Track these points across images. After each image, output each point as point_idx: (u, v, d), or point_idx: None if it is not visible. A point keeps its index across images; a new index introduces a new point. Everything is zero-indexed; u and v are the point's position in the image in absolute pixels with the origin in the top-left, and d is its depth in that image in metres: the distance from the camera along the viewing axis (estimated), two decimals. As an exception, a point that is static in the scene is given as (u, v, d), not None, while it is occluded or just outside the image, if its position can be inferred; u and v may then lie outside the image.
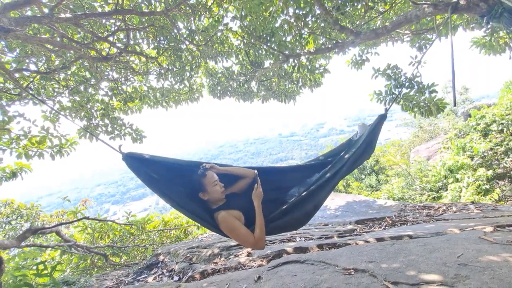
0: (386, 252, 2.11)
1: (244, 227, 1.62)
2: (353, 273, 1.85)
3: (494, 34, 4.98)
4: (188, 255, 3.36)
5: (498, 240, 2.08)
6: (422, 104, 4.68)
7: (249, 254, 2.83)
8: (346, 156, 2.08)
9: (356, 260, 2.05)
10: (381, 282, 1.64)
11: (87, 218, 3.95)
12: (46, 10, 3.00)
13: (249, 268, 2.51)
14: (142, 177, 1.66)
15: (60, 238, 4.03)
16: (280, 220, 1.75)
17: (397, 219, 3.88)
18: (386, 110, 2.23)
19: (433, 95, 4.60)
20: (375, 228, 3.58)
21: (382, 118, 2.17)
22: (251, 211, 1.69)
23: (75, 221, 4.06)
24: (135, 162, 1.68)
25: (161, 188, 1.69)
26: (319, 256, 2.27)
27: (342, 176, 1.99)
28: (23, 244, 3.58)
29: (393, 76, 4.97)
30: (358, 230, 3.44)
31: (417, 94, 4.72)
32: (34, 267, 2.30)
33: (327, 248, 2.62)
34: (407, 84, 4.85)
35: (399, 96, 4.86)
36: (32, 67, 4.57)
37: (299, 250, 2.64)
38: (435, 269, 1.71)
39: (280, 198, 1.96)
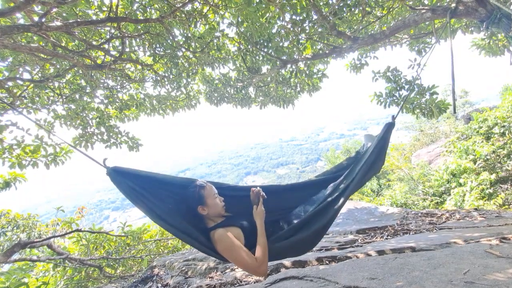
0: (389, 268, 2.00)
1: (244, 248, 1.43)
2: (353, 292, 1.75)
3: (493, 37, 4.94)
4: (183, 268, 3.25)
5: (504, 254, 1.98)
6: (424, 105, 4.62)
7: (245, 268, 2.72)
8: (354, 171, 1.91)
9: (357, 276, 1.94)
10: (383, 304, 1.54)
11: (80, 230, 3.84)
12: (36, 19, 2.95)
13: (245, 284, 2.40)
14: (127, 193, 1.54)
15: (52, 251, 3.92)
16: (284, 242, 1.57)
17: (399, 228, 3.76)
18: (394, 117, 2.03)
19: (434, 96, 4.54)
20: (376, 237, 3.47)
21: (390, 127, 1.99)
22: (253, 231, 1.53)
23: (68, 233, 3.95)
24: (121, 177, 1.56)
25: (149, 206, 1.55)
26: (318, 271, 2.16)
27: (352, 193, 1.82)
28: (13, 258, 3.47)
29: (393, 79, 4.92)
30: (359, 240, 3.33)
31: (417, 96, 4.66)
32: None
33: (327, 262, 2.51)
34: (407, 86, 4.80)
35: (400, 99, 4.80)
36: (26, 75, 4.52)
37: (298, 264, 2.53)
38: (440, 287, 1.61)
39: (283, 219, 1.80)
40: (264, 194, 1.70)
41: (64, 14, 3.58)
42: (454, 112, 2.27)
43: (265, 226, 1.56)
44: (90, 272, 4.76)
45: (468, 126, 8.84)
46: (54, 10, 2.89)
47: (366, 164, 1.87)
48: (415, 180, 9.69)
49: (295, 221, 1.72)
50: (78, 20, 3.06)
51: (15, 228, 5.50)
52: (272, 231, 1.61)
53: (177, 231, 1.54)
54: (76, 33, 3.60)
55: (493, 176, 6.91)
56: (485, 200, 6.59)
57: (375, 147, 1.93)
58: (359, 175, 1.83)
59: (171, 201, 1.62)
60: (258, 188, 1.73)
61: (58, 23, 2.74)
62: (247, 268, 1.41)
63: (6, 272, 2.74)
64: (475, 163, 7.50)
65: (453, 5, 2.99)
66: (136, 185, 1.57)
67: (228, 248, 1.43)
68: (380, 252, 2.46)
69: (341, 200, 1.73)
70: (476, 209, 4.47)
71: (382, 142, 1.96)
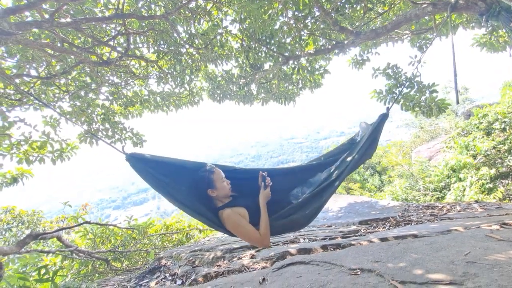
0: (392, 252, 2.08)
1: (249, 225, 1.63)
2: (359, 273, 1.82)
3: (494, 33, 4.99)
4: (191, 259, 3.32)
5: (505, 237, 2.05)
6: (423, 104, 4.68)
7: (252, 256, 2.80)
8: (349, 155, 2.07)
9: (361, 260, 2.02)
10: (388, 282, 1.61)
11: (88, 222, 3.92)
12: (47, 16, 3.01)
13: (253, 271, 2.48)
14: (145, 177, 1.66)
15: (61, 244, 4.00)
16: (284, 220, 1.74)
17: (401, 219, 3.84)
18: (388, 109, 2.22)
19: (434, 95, 4.59)
20: (379, 228, 3.54)
21: (384, 117, 2.16)
22: (256, 210, 1.70)
23: (76, 225, 4.03)
24: (139, 162, 1.68)
25: (165, 188, 1.68)
26: (324, 256, 2.24)
27: (346, 176, 1.98)
28: (23, 250, 3.55)
29: (393, 75, 4.98)
30: (362, 230, 3.40)
31: (417, 94, 4.71)
32: (34, 273, 2.27)
33: (332, 249, 2.59)
34: (407, 83, 4.86)
35: (399, 95, 4.86)
36: (33, 72, 4.58)
37: (303, 251, 2.61)
38: (442, 267, 1.68)
39: (284, 199, 1.95)
40: (269, 179, 1.83)
41: (72, 12, 3.65)
42: (457, 102, 2.34)
43: (267, 205, 1.73)
44: (97, 266, 4.84)
45: (469, 121, 8.90)
46: (64, 7, 2.95)
47: (361, 151, 2.03)
48: (415, 176, 9.77)
49: (294, 201, 1.89)
50: (87, 17, 3.13)
51: (20, 224, 5.58)
52: (273, 210, 1.76)
53: (191, 210, 1.68)
54: (84, 30, 3.67)
55: (493, 171, 6.98)
56: (485, 195, 6.66)
57: (370, 136, 2.09)
58: (354, 160, 1.99)
59: (184, 183, 1.75)
60: (266, 173, 1.87)
61: (68, 20, 2.81)
62: (253, 241, 1.61)
63: (23, 257, 2.84)
64: (475, 158, 7.57)
65: (454, -1, 3.05)
66: (152, 169, 1.69)
67: (235, 225, 1.62)
68: (383, 239, 2.53)
69: (336, 183, 1.90)
70: (476, 201, 4.54)
71: (376, 131, 2.11)
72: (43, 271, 2.19)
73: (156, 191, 1.66)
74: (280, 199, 1.93)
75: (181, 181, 1.74)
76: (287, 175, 2.12)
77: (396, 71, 4.98)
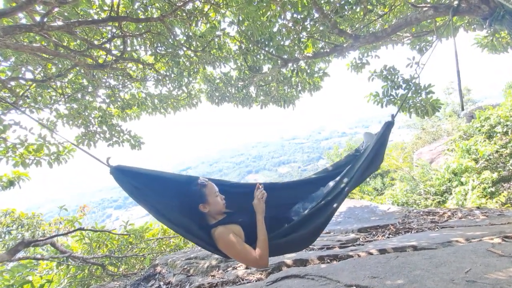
0: (390, 266, 2.00)
1: (245, 244, 1.48)
2: (355, 290, 1.75)
3: (496, 34, 4.90)
4: (185, 267, 3.27)
5: (506, 252, 1.98)
6: (419, 104, 4.61)
7: (247, 267, 2.73)
8: (354, 168, 1.95)
9: (358, 275, 1.95)
10: (384, 302, 1.54)
11: (82, 229, 3.87)
12: (38, 18, 2.95)
13: (247, 283, 2.41)
14: (130, 192, 1.55)
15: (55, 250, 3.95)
16: (284, 239, 1.61)
17: (401, 227, 3.76)
18: (393, 116, 2.08)
19: (429, 96, 4.52)
20: (378, 236, 3.47)
21: (389, 125, 2.03)
22: (253, 226, 1.57)
23: (70, 232, 3.98)
24: (124, 176, 1.57)
25: (153, 204, 1.57)
26: (319, 270, 2.17)
27: (350, 190, 1.86)
28: (17, 256, 3.50)
29: (389, 77, 4.89)
30: (360, 239, 3.33)
31: (413, 95, 4.64)
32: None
33: (328, 260, 2.52)
34: (404, 86, 4.78)
35: (397, 98, 4.79)
36: (29, 75, 4.54)
37: (299, 262, 2.54)
38: (442, 286, 1.61)
39: (283, 215, 1.84)
40: (264, 192, 1.72)
41: (66, 14, 3.59)
42: (462, 109, 2.27)
43: (265, 221, 1.59)
44: (93, 270, 4.79)
45: (470, 124, 8.79)
46: (56, 9, 2.89)
47: (365, 162, 1.90)
48: (415, 180, 9.67)
49: (294, 218, 1.77)
50: (80, 19, 3.07)
51: (19, 227, 5.54)
52: (271, 227, 1.63)
53: (179, 228, 1.57)
54: (78, 33, 3.61)
55: (495, 175, 6.88)
56: (487, 199, 6.57)
57: (374, 145, 1.96)
58: (358, 172, 1.87)
59: (173, 199, 1.63)
60: (262, 185, 1.77)
61: (60, 23, 2.75)
62: (248, 262, 1.47)
63: (10, 270, 2.77)
64: (477, 162, 7.47)
65: (456, 2, 2.97)
66: (139, 184, 1.58)
67: (229, 245, 1.47)
68: (382, 251, 2.46)
69: (340, 198, 1.78)
70: (478, 208, 4.46)
71: (381, 141, 1.99)
72: (27, 287, 2.12)
73: (143, 208, 1.56)
74: (280, 215, 1.82)
75: (171, 197, 1.63)
76: (287, 190, 2.00)
77: (393, 73, 4.89)
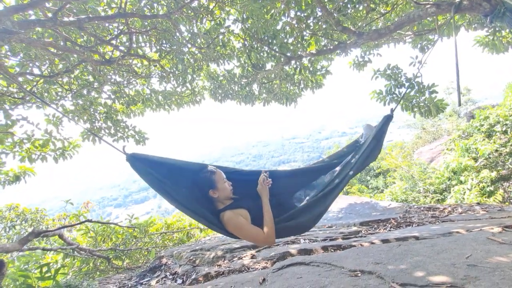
0: (393, 253, 2.08)
1: (252, 225, 1.60)
2: (359, 275, 1.82)
3: (497, 33, 4.96)
4: (191, 258, 3.34)
5: (507, 240, 2.05)
6: (422, 104, 4.67)
7: (253, 256, 2.81)
8: (354, 158, 2.05)
9: (362, 261, 2.02)
10: (389, 284, 1.62)
11: (90, 221, 3.94)
12: (50, 15, 3.02)
13: (253, 271, 2.48)
14: (146, 178, 1.65)
15: (63, 241, 4.02)
16: (287, 223, 1.71)
17: (402, 221, 3.83)
18: (392, 110, 2.18)
19: (433, 95, 4.57)
20: (380, 229, 3.54)
21: (388, 119, 2.13)
22: (259, 211, 1.68)
23: (78, 223, 4.05)
24: (139, 163, 1.67)
25: (166, 189, 1.67)
26: (324, 258, 2.24)
27: (350, 178, 1.97)
28: (25, 247, 3.57)
29: (393, 76, 4.95)
30: (362, 231, 3.40)
31: (417, 94, 4.70)
32: (36, 271, 2.27)
33: (332, 250, 2.59)
34: (407, 84, 4.84)
35: (399, 96, 4.84)
36: (36, 71, 4.60)
37: (304, 252, 2.61)
38: (443, 270, 1.68)
39: (287, 202, 1.94)
40: (269, 180, 1.81)
41: (75, 11, 3.66)
42: (459, 104, 2.34)
43: (270, 205, 1.69)
44: (98, 263, 4.87)
45: (470, 124, 8.86)
46: (67, 5, 2.96)
47: (365, 153, 2.02)
48: (414, 178, 9.74)
49: (297, 204, 1.88)
50: (90, 15, 3.14)
51: (23, 222, 5.62)
52: (276, 213, 1.73)
53: (191, 212, 1.67)
54: (87, 29, 3.68)
55: (494, 174, 6.94)
56: (485, 198, 6.63)
57: (374, 137, 2.07)
58: (358, 162, 1.98)
59: (185, 185, 1.74)
60: (267, 173, 1.86)
61: (72, 19, 2.82)
62: (258, 240, 1.58)
63: (27, 255, 2.85)
64: (476, 161, 7.53)
65: None
66: (153, 170, 1.68)
67: (238, 227, 1.59)
68: (385, 241, 2.53)
69: (341, 186, 1.89)
70: (478, 203, 4.53)
71: (380, 133, 2.10)
72: (45, 269, 2.20)
73: (157, 192, 1.65)
74: (283, 202, 1.91)
75: (182, 182, 1.73)
76: (290, 177, 2.09)
77: (396, 71, 4.95)
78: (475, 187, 6.87)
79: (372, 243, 2.56)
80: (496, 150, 7.31)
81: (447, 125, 15.81)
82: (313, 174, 2.12)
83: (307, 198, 1.93)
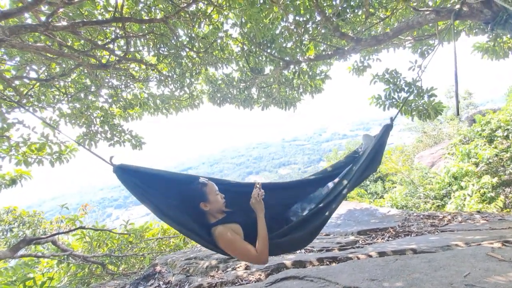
0: (389, 269, 2.01)
1: (244, 241, 1.52)
2: (354, 292, 1.76)
3: (498, 39, 4.90)
4: (185, 267, 3.28)
5: (506, 257, 1.98)
6: (421, 108, 4.62)
7: (247, 268, 2.75)
8: (352, 170, 1.99)
9: (357, 277, 1.96)
10: (383, 304, 1.55)
11: (83, 228, 3.89)
12: (43, 18, 2.99)
13: (246, 283, 2.43)
14: (133, 191, 1.58)
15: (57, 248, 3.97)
16: (282, 239, 1.64)
17: (401, 230, 3.76)
18: (392, 119, 2.12)
19: (432, 99, 4.52)
20: (377, 239, 3.48)
21: (387, 128, 2.07)
22: (252, 225, 1.59)
23: (71, 230, 4.01)
24: (127, 175, 1.60)
25: (155, 203, 1.59)
26: (319, 272, 2.18)
27: (349, 191, 1.89)
28: (19, 254, 3.52)
29: (391, 80, 4.90)
30: (360, 241, 3.34)
31: (416, 98, 4.65)
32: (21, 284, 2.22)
33: (328, 262, 2.53)
34: (406, 88, 4.79)
35: (399, 101, 4.79)
36: (33, 74, 4.57)
37: (299, 264, 2.55)
38: (440, 289, 1.62)
39: (282, 215, 1.87)
40: (262, 191, 1.71)
41: (70, 14, 3.63)
42: (458, 114, 2.28)
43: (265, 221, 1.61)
44: (93, 269, 4.81)
45: (471, 128, 8.78)
46: (61, 10, 2.93)
47: (364, 164, 1.94)
48: (415, 183, 9.65)
49: (293, 219, 1.81)
50: (84, 20, 3.10)
51: (21, 224, 5.57)
52: (270, 227, 1.65)
53: (180, 227, 1.60)
54: (82, 33, 3.64)
55: (495, 180, 6.86)
56: (486, 204, 6.55)
57: (373, 148, 2.01)
58: (357, 174, 1.90)
59: (175, 197, 1.67)
60: (260, 184, 1.77)
61: (65, 23, 2.78)
62: (249, 258, 1.51)
63: (12, 267, 2.79)
64: (477, 166, 7.45)
65: (457, 6, 2.98)
66: (141, 182, 1.61)
67: (229, 243, 1.52)
68: (381, 254, 2.47)
69: (339, 199, 1.81)
70: (478, 212, 4.45)
71: (380, 143, 2.04)
72: (30, 283, 2.15)
73: (145, 206, 1.58)
74: (278, 215, 1.84)
75: (172, 195, 1.66)
76: (286, 190, 2.03)
77: (395, 75, 4.90)
78: (475, 193, 6.78)
79: (369, 255, 2.49)
80: (497, 155, 7.23)
81: (448, 129, 15.72)
82: (310, 186, 2.04)
83: (305, 212, 1.85)
